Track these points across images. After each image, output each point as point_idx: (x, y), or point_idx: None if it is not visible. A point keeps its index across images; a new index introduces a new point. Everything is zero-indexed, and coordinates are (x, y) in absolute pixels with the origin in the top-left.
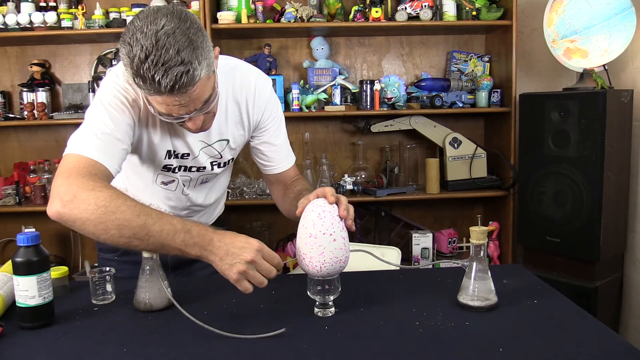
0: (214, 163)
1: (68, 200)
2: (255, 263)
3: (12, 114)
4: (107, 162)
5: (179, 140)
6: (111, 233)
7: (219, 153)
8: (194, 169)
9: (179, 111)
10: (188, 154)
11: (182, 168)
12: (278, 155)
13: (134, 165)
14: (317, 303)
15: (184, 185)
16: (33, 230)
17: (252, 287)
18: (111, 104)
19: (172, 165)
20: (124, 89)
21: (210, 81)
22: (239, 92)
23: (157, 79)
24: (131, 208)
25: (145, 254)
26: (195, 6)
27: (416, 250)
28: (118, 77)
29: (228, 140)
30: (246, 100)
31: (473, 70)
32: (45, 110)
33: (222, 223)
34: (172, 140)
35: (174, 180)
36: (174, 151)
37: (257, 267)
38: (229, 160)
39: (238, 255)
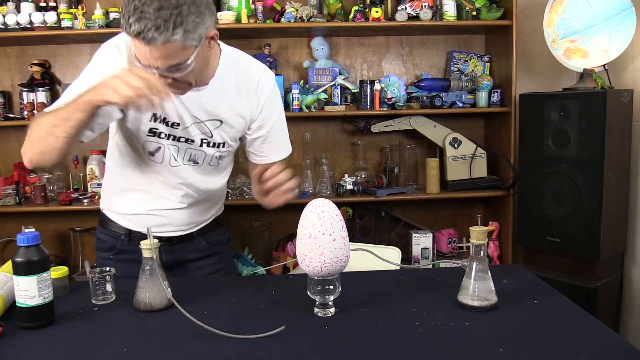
0: (204, 140)
1: (24, 154)
2: (126, 75)
3: (12, 114)
4: None
5: (171, 108)
6: (49, 140)
7: (210, 132)
8: (182, 140)
9: (145, 60)
10: (178, 124)
11: (171, 137)
12: (272, 147)
13: (125, 140)
14: (317, 303)
15: (172, 157)
16: (33, 230)
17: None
18: (92, 66)
19: (157, 129)
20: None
21: (185, 52)
22: (241, 81)
23: (130, 21)
24: (46, 117)
25: (145, 254)
26: None
27: (416, 250)
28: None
29: (221, 122)
30: (248, 91)
31: (473, 70)
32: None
33: (220, 224)
34: (167, 107)
35: (160, 147)
36: (161, 115)
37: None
38: (220, 144)
39: (112, 78)
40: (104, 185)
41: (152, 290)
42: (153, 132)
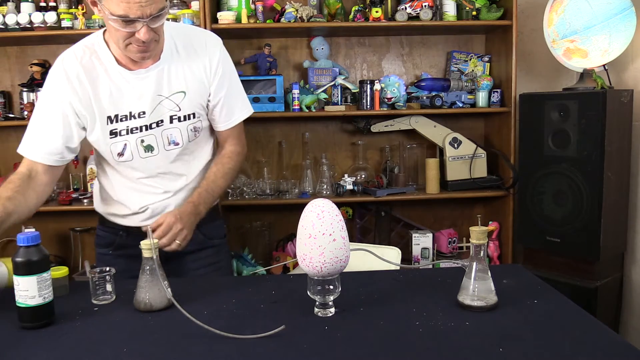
0: (173, 117)
1: None
2: None
3: (12, 114)
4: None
5: (132, 100)
6: None
7: (177, 105)
8: (153, 125)
9: (136, 12)
10: (144, 112)
11: (138, 129)
12: (233, 108)
13: (98, 151)
14: (317, 303)
15: (142, 149)
16: (33, 230)
17: None
18: (43, 95)
19: (116, 129)
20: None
21: None
22: (190, 48)
23: None
24: None
25: (145, 254)
26: (195, 6)
27: (416, 250)
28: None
29: (185, 92)
30: (198, 55)
31: (473, 70)
32: None
33: (217, 217)
34: (122, 104)
35: (125, 144)
36: (116, 115)
37: None
38: (190, 115)
39: None
40: (95, 192)
41: (152, 290)
42: (114, 133)
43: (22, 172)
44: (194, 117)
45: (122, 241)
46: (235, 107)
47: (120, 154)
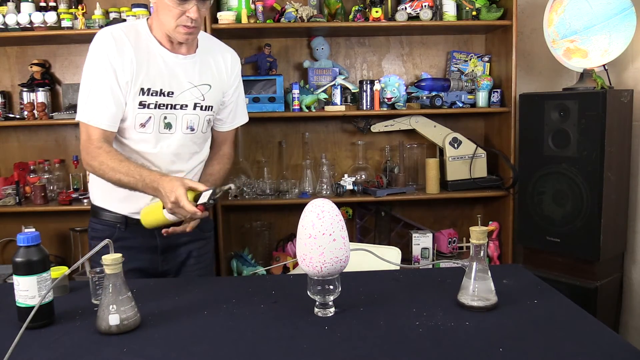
0: (197, 104)
1: (88, 165)
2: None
3: (12, 114)
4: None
5: (166, 79)
6: (112, 182)
7: (202, 95)
8: (177, 107)
9: None
10: (172, 92)
11: (163, 106)
12: (238, 114)
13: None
14: (317, 303)
15: (164, 125)
16: (33, 230)
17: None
18: (94, 64)
19: (146, 101)
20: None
21: None
22: (217, 54)
23: None
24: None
25: (108, 270)
26: None
27: (416, 250)
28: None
29: (210, 86)
30: (225, 62)
31: (473, 70)
32: (45, 110)
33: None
34: (155, 79)
35: (150, 117)
36: (148, 89)
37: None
38: (210, 107)
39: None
40: (92, 181)
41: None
42: (142, 104)
43: (104, 143)
44: (211, 109)
45: (121, 234)
46: (239, 112)
47: (143, 125)
